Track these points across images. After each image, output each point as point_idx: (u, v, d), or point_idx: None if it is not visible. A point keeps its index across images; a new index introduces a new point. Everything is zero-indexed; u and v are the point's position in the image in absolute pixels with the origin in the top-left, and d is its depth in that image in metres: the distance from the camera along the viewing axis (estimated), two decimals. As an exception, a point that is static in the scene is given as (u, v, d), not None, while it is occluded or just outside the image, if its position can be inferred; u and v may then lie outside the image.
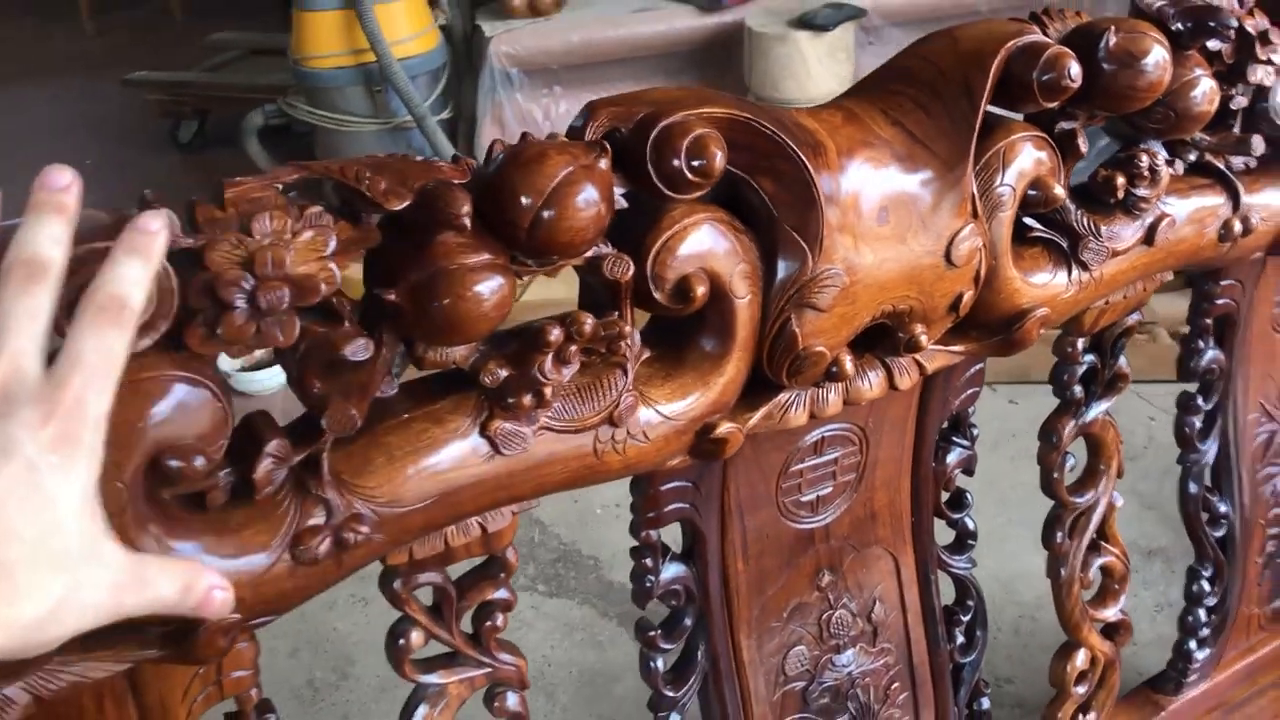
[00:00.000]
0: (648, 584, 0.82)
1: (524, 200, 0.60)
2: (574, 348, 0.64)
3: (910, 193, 0.73)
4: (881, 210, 0.72)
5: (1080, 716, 1.10)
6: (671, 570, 0.83)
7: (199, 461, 0.55)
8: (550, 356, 0.63)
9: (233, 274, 0.55)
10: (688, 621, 0.85)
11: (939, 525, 0.96)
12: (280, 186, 0.58)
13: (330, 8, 2.41)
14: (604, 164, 0.62)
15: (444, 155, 2.63)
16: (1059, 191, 0.79)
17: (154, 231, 0.49)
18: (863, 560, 0.93)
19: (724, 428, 0.72)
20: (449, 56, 2.66)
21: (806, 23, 2.44)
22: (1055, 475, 1.01)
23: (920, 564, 0.96)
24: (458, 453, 0.64)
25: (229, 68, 3.86)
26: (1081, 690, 1.08)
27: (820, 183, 0.69)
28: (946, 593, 0.99)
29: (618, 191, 0.65)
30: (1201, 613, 1.16)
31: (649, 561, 0.82)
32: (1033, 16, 0.80)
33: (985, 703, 1.02)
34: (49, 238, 0.46)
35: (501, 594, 0.75)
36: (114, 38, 5.54)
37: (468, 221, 0.57)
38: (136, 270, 0.48)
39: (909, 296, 0.75)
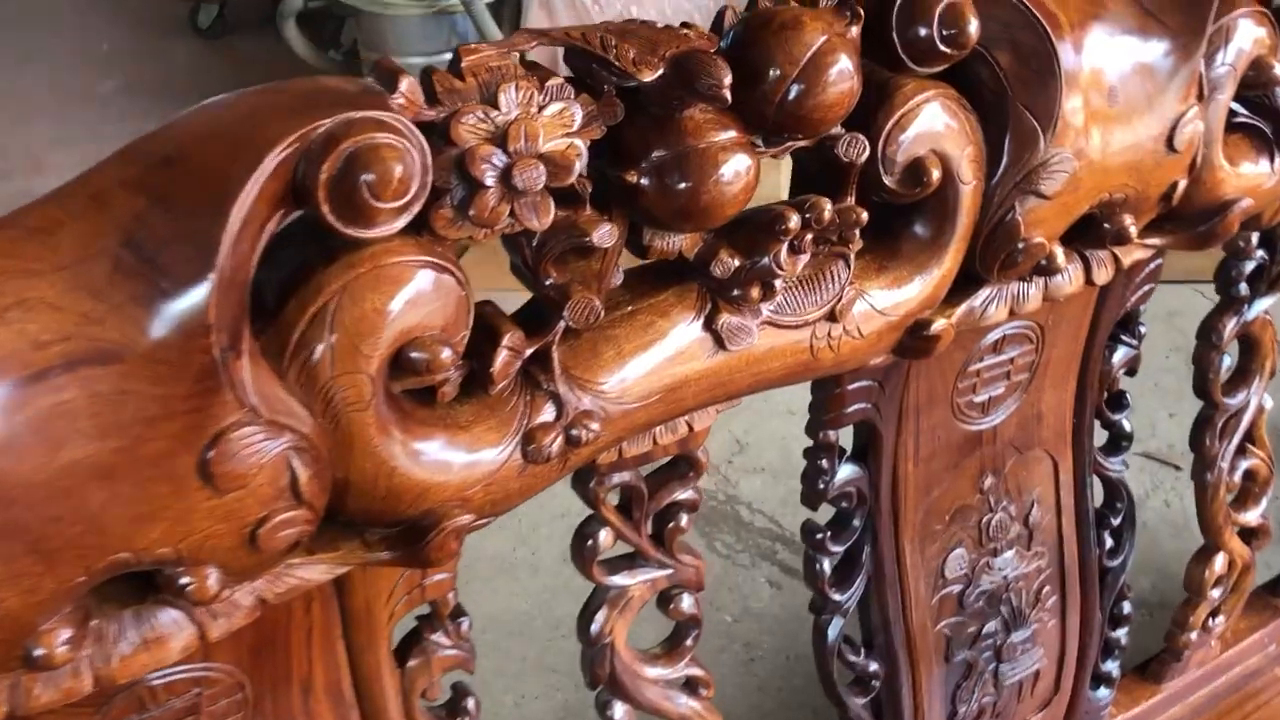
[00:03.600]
0: (821, 485, 0.79)
1: (775, 71, 0.55)
2: (810, 236, 0.59)
3: (1140, 71, 0.68)
4: (1111, 90, 0.67)
5: (1210, 620, 1.08)
6: (845, 471, 0.80)
7: (445, 353, 0.51)
8: (786, 245, 0.59)
9: (484, 149, 0.50)
10: (856, 523, 0.83)
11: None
12: (518, 55, 0.53)
13: (377, -115, 2.31)
14: (855, 31, 0.57)
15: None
16: (1279, 72, 0.74)
17: None
18: (1024, 463, 0.90)
19: (938, 324, 0.68)
20: (492, -63, 2.55)
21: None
22: (1211, 376, 0.97)
23: (1078, 466, 0.93)
24: (682, 346, 0.60)
25: (246, -51, 3.71)
26: (1216, 594, 1.06)
27: (1061, 55, 0.64)
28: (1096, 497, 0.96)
29: (852, 65, 0.60)
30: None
31: (824, 463, 0.79)
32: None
33: (1126, 606, 1.01)
34: None
35: (688, 494, 0.71)
36: (115, -82, 5.33)
37: (729, 94, 0.52)
38: None
39: (1127, 184, 0.71)
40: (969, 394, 0.83)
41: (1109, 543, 0.97)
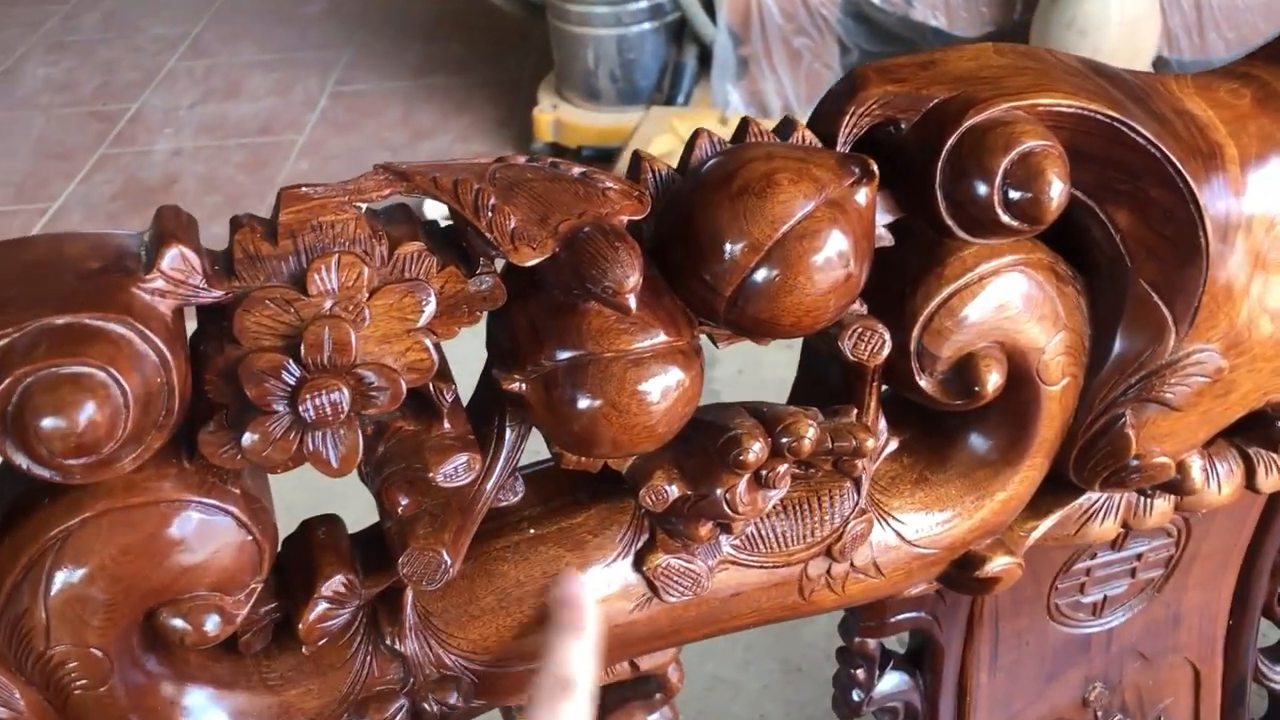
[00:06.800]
0: (855, 697, 0.62)
1: (731, 250, 0.37)
2: (783, 468, 0.42)
3: (1348, 233, 0.46)
4: (1297, 259, 0.46)
5: None
6: (891, 681, 0.62)
7: (211, 623, 0.37)
8: (746, 479, 0.41)
9: (268, 359, 0.35)
10: (904, 740, 0.65)
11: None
12: (362, 208, 0.37)
13: None
14: (864, 197, 0.38)
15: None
16: None
17: (576, 600, 0.43)
18: (1150, 671, 0.69)
19: (997, 564, 0.49)
20: None
21: None
22: None
23: (1231, 676, 0.71)
24: (601, 591, 0.44)
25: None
26: None
27: (1210, 217, 0.43)
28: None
29: (882, 222, 0.41)
30: None
31: (861, 673, 0.61)
32: None
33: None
34: (571, 659, 0.42)
35: (656, 717, 0.55)
36: None
37: (632, 302, 0.35)
38: (574, 648, 0.42)
39: (1312, 384, 0.49)
40: (1074, 594, 0.63)
41: (1267, 768, 0.75)
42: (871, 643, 0.60)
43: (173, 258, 0.35)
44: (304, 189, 0.37)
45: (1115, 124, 0.41)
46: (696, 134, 0.41)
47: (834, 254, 0.37)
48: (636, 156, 0.41)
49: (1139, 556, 0.62)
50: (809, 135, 0.41)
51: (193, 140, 2.84)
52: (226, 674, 0.41)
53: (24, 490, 0.37)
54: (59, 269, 0.35)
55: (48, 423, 0.32)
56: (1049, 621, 0.64)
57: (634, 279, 0.35)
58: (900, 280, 0.43)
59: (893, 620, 0.58)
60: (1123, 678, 0.68)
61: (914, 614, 0.58)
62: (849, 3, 2.44)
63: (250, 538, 0.38)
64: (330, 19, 3.39)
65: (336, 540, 0.42)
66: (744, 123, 0.42)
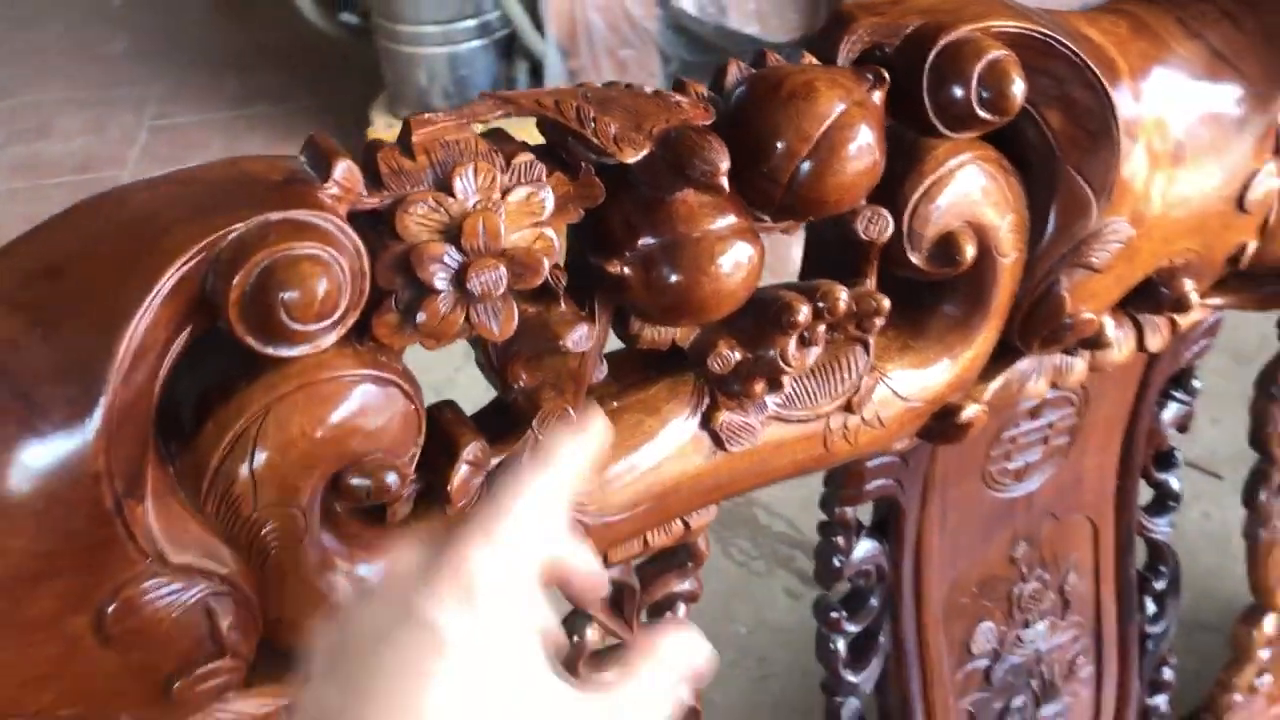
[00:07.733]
0: (836, 564, 0.72)
1: (783, 148, 0.47)
2: (822, 328, 0.51)
3: (1209, 123, 0.60)
4: (1177, 146, 0.59)
5: (1257, 680, 1.01)
6: (864, 548, 0.73)
7: (391, 478, 0.44)
8: (794, 338, 0.51)
9: (434, 247, 0.42)
10: (873, 602, 0.75)
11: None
12: (478, 128, 0.45)
13: None
14: (878, 98, 0.49)
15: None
16: (1370, 122, 0.65)
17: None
18: (1061, 529, 0.82)
19: (970, 410, 0.60)
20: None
21: None
22: (1269, 429, 0.89)
23: (1120, 529, 0.85)
24: (675, 447, 0.53)
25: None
26: (1266, 655, 0.98)
27: (1120, 114, 0.55)
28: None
29: (876, 127, 0.51)
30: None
31: (840, 540, 0.71)
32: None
33: (1168, 672, 0.93)
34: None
35: (687, 585, 0.64)
36: None
37: (726, 182, 0.44)
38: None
39: (1190, 249, 0.62)
40: (1002, 461, 0.75)
41: (1151, 608, 0.89)
42: (849, 512, 0.70)
43: (343, 169, 0.42)
44: (427, 115, 0.45)
45: (1048, 39, 0.53)
46: (729, 61, 0.50)
47: (864, 143, 0.47)
48: (680, 80, 0.50)
49: (1050, 425, 0.75)
50: (813, 59, 0.51)
51: (6, 182, 2.74)
52: (377, 539, 0.47)
53: (215, 382, 0.42)
54: (253, 182, 0.41)
55: (290, 295, 0.38)
56: (983, 487, 0.75)
57: (726, 163, 0.44)
58: (888, 177, 0.54)
59: (867, 488, 0.69)
60: (1040, 536, 0.81)
61: (883, 481, 0.69)
62: (668, 15, 2.58)
63: (413, 406, 0.45)
64: (136, 55, 3.31)
65: (462, 418, 0.49)
66: (760, 52, 0.51)
